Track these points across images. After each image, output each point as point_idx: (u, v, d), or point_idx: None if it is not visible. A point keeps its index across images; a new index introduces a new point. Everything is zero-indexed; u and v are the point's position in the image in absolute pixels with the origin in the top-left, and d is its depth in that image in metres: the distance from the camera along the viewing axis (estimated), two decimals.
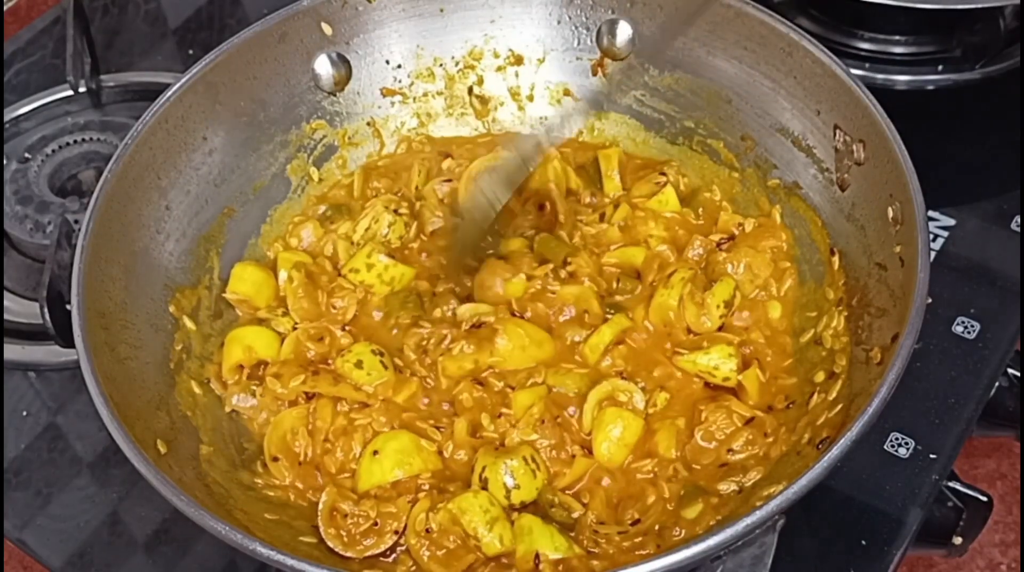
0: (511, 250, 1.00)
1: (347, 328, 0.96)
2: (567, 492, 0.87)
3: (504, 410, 0.90)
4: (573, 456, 0.87)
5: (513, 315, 0.95)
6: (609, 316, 0.95)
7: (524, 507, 0.85)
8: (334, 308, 0.97)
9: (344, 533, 0.84)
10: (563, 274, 0.97)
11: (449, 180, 1.05)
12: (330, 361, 0.94)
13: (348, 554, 0.84)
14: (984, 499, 0.97)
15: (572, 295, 0.96)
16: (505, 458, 0.85)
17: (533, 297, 0.96)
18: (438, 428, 0.90)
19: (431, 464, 0.87)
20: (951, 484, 0.97)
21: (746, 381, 0.90)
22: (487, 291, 0.97)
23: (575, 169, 1.07)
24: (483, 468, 0.85)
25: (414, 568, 0.83)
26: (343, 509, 0.85)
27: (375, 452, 0.87)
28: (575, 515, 0.85)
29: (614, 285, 0.98)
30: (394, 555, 0.84)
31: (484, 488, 0.85)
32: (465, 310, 0.95)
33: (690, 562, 0.70)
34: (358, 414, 0.91)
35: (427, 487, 0.86)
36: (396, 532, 0.84)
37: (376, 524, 0.84)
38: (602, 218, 1.03)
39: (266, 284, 0.99)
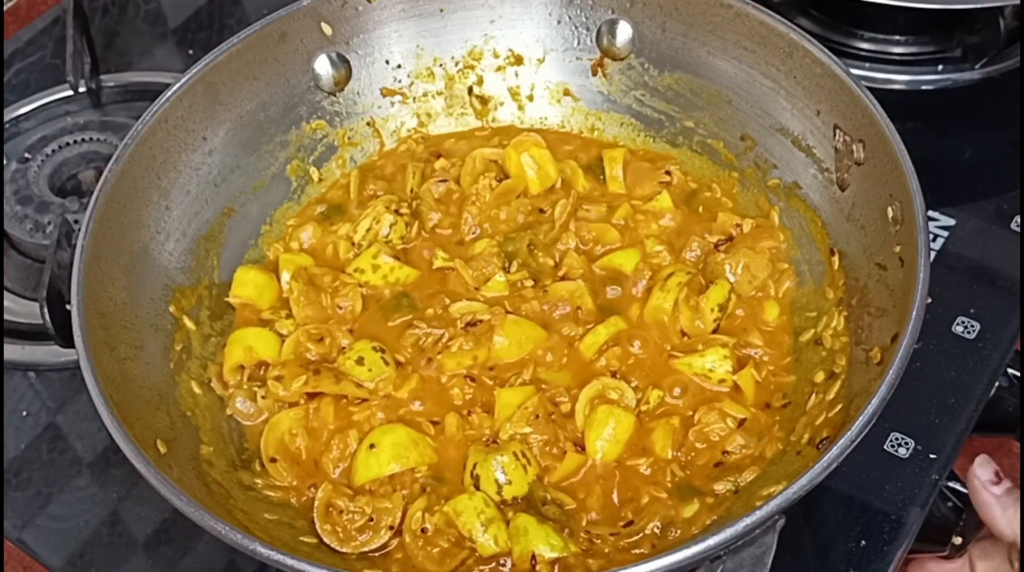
0: (476, 253, 1.00)
1: (354, 328, 0.97)
2: (559, 488, 0.87)
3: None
4: (564, 452, 0.87)
5: (508, 313, 0.95)
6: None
7: (516, 502, 0.85)
8: (340, 308, 0.97)
9: (340, 529, 0.84)
10: (548, 282, 0.98)
11: (444, 180, 1.05)
12: (330, 360, 0.94)
13: (344, 550, 0.84)
14: None
15: (567, 291, 0.96)
16: (496, 454, 0.85)
17: (523, 297, 0.97)
18: (433, 423, 0.90)
19: (427, 457, 0.88)
20: (951, 484, 0.97)
21: (741, 381, 0.90)
22: (464, 294, 0.98)
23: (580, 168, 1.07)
24: (474, 465, 0.86)
25: (408, 564, 0.83)
26: (339, 505, 0.85)
27: (371, 445, 0.87)
28: (568, 508, 0.85)
29: (606, 288, 0.98)
30: (387, 550, 0.84)
31: (476, 485, 0.85)
32: (459, 308, 0.96)
33: (690, 562, 0.70)
34: (355, 408, 0.91)
35: (422, 479, 0.86)
36: (391, 528, 0.84)
37: (371, 520, 0.84)
38: (610, 210, 1.03)
39: (268, 287, 0.99)
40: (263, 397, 0.92)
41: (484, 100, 1.13)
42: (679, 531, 0.83)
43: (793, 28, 0.97)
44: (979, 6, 1.17)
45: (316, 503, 0.85)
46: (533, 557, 0.81)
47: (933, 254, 1.10)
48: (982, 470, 0.88)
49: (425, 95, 1.12)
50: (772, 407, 0.90)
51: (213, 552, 0.95)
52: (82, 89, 1.30)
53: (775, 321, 0.96)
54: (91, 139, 1.25)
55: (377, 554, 0.84)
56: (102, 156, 1.24)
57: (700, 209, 1.04)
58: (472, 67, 1.12)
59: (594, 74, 1.11)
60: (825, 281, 0.95)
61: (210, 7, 1.45)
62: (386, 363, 0.92)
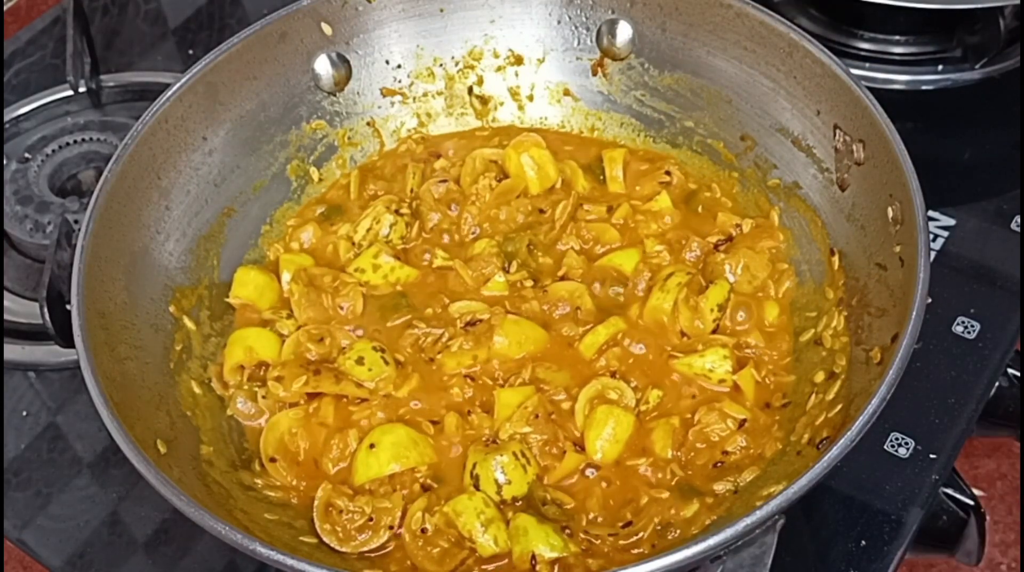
0: (476, 253, 1.00)
1: (357, 330, 0.97)
2: (558, 488, 0.87)
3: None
4: (564, 452, 0.87)
5: (508, 313, 0.95)
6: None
7: (516, 501, 0.85)
8: (341, 309, 0.97)
9: (339, 529, 0.84)
10: (548, 282, 0.98)
11: (444, 181, 1.05)
12: (331, 361, 0.94)
13: (343, 550, 0.84)
14: (972, 502, 0.97)
15: (566, 291, 0.96)
16: (495, 455, 0.85)
17: (523, 297, 0.97)
18: (433, 423, 0.90)
19: (427, 457, 0.88)
20: (952, 492, 0.97)
21: (741, 381, 0.90)
22: (464, 294, 0.98)
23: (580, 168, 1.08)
24: (474, 465, 0.86)
25: (408, 564, 0.83)
26: (338, 505, 0.85)
27: (371, 445, 0.87)
28: (568, 506, 0.85)
29: (606, 288, 0.98)
30: (387, 550, 0.84)
31: (475, 485, 0.85)
32: (458, 308, 0.96)
33: (690, 562, 0.70)
34: (355, 408, 0.91)
35: (423, 480, 0.86)
36: (391, 528, 0.84)
37: (371, 520, 0.84)
38: (610, 210, 1.04)
39: (268, 287, 0.99)
40: (263, 397, 0.92)
41: (484, 100, 1.13)
42: (679, 531, 0.83)
43: (793, 28, 0.97)
44: (979, 6, 1.17)
45: (316, 503, 0.85)
46: (533, 557, 0.81)
47: (933, 254, 1.10)
48: None
49: (425, 95, 1.12)
50: (772, 407, 0.90)
51: (213, 552, 0.95)
52: (82, 89, 1.30)
53: (775, 321, 0.96)
54: (91, 139, 1.25)
55: (377, 554, 0.84)
56: (102, 156, 1.24)
57: (700, 209, 1.04)
58: (472, 67, 1.12)
59: (594, 74, 1.11)
60: (825, 281, 0.95)
61: (210, 7, 1.45)
62: (386, 363, 0.92)
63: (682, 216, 1.04)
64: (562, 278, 0.98)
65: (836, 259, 0.95)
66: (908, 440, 0.97)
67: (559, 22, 1.10)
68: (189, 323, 0.95)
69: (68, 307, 0.84)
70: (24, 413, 1.06)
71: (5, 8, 1.53)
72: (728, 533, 0.71)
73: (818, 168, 0.98)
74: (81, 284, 0.85)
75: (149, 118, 0.95)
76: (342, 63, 1.08)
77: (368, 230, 1.02)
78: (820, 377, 0.89)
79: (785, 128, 1.00)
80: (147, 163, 0.95)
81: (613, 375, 0.92)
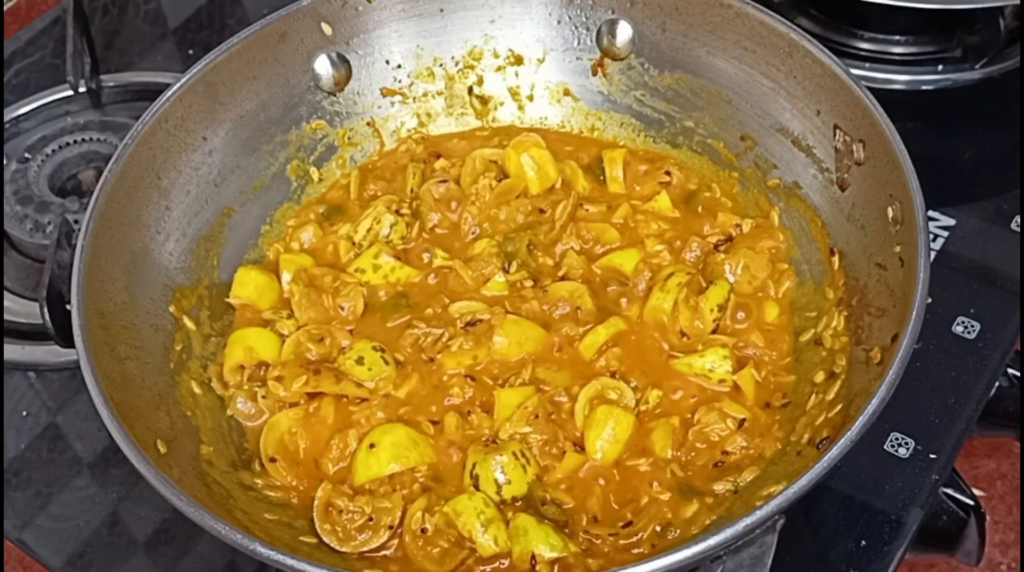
0: (476, 253, 1.00)
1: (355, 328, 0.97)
2: (558, 488, 0.87)
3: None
4: (564, 452, 0.87)
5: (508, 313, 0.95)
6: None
7: (516, 501, 0.85)
8: (342, 309, 0.97)
9: (339, 529, 0.84)
10: (548, 282, 0.98)
11: (444, 181, 1.05)
12: (331, 360, 0.94)
13: (343, 549, 0.84)
14: (972, 502, 0.97)
15: (567, 291, 0.96)
16: (495, 454, 0.85)
17: (523, 297, 0.97)
18: (433, 422, 0.90)
19: (427, 457, 0.88)
20: (952, 492, 0.97)
21: (741, 381, 0.91)
22: (464, 294, 0.98)
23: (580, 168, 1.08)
24: (474, 465, 0.86)
25: (408, 564, 0.83)
26: (338, 505, 0.85)
27: (371, 445, 0.87)
28: (567, 506, 0.85)
29: (605, 288, 0.98)
30: (387, 551, 0.84)
31: (475, 485, 0.85)
32: (458, 308, 0.96)
33: (690, 562, 0.70)
34: (355, 408, 0.91)
35: (423, 480, 0.86)
36: (391, 527, 0.84)
37: (371, 520, 0.84)
38: (609, 209, 1.04)
39: (269, 287, 0.99)
40: (263, 397, 0.92)
41: (484, 100, 1.13)
42: (679, 531, 0.83)
43: (793, 28, 0.97)
44: (979, 6, 1.17)
45: (316, 502, 0.85)
46: (533, 557, 0.81)
47: (933, 254, 1.10)
48: None
49: (425, 95, 1.12)
50: (772, 407, 0.90)
51: (213, 552, 0.95)
52: (82, 89, 1.30)
53: (775, 321, 0.96)
54: (91, 139, 1.25)
55: (377, 554, 0.84)
56: (102, 156, 1.24)
57: (700, 209, 1.04)
58: (472, 67, 1.12)
59: (594, 74, 1.11)
60: (825, 281, 0.95)
61: (210, 7, 1.45)
62: (386, 362, 0.92)
63: (682, 216, 1.04)
64: (562, 278, 0.98)
65: (836, 259, 0.95)
66: (908, 440, 0.97)
67: (559, 22, 1.10)
68: (189, 323, 0.95)
69: (68, 307, 0.84)
70: (24, 413, 1.06)
71: (5, 8, 1.53)
72: (728, 533, 0.71)
73: (818, 168, 0.98)
74: (81, 284, 0.85)
75: (149, 118, 0.95)
76: (342, 63, 1.08)
77: (368, 230, 1.02)
78: (820, 377, 0.89)
79: (785, 128, 1.00)
80: (147, 163, 0.95)
81: (613, 375, 0.92)
